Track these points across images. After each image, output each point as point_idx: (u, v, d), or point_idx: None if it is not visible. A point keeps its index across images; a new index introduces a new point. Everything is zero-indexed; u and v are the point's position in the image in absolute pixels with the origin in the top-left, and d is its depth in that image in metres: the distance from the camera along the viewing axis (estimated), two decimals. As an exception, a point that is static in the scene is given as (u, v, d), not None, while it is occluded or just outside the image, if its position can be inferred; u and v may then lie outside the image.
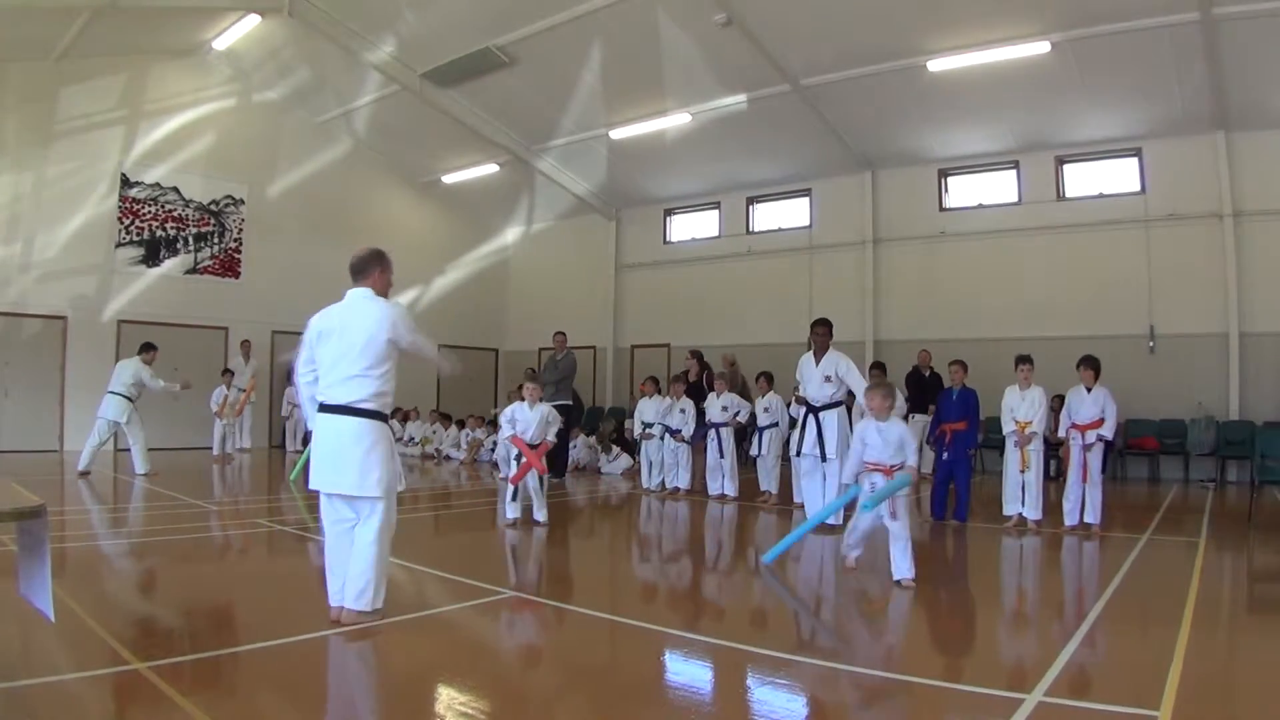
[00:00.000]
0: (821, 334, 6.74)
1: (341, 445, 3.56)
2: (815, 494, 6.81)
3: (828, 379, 6.61)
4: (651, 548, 6.62)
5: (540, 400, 6.77)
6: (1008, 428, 7.04)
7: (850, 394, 6.62)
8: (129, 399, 9.39)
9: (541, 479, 6.60)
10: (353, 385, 3.57)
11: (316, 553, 5.54)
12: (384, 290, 3.80)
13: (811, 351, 6.82)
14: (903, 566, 4.61)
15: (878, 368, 8.46)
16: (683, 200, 16.05)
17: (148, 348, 9.78)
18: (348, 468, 3.54)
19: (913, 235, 13.19)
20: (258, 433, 13.63)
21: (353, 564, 3.58)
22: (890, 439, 4.86)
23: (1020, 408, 6.99)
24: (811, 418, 6.68)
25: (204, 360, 13.22)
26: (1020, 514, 6.96)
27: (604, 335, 16.62)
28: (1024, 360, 6.97)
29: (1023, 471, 6.95)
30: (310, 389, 3.75)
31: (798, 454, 6.91)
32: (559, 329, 11.06)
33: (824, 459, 6.61)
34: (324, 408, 3.62)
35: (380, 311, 3.64)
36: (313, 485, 3.64)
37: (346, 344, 3.58)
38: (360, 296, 3.72)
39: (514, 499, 6.55)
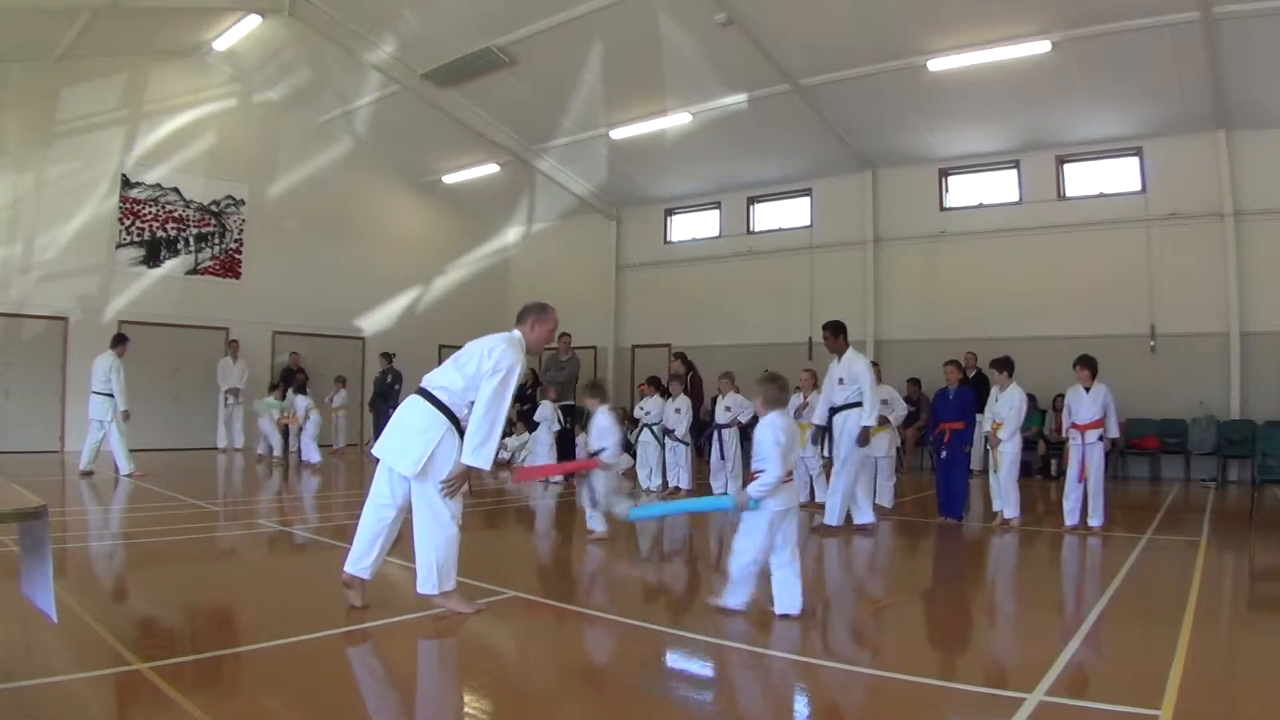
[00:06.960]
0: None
1: (402, 421, 3.78)
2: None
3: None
4: (654, 547, 6.61)
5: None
6: (985, 427, 7.25)
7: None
8: (111, 396, 9.32)
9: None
10: (442, 376, 3.79)
11: (317, 552, 5.55)
12: (535, 345, 3.98)
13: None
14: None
15: (873, 365, 8.39)
16: (683, 200, 16.05)
17: (119, 340, 9.64)
18: (398, 442, 3.74)
19: (913, 235, 13.19)
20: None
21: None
22: None
23: (996, 408, 7.10)
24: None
25: (204, 361, 13.24)
26: (999, 512, 7.01)
27: (605, 335, 16.62)
28: (998, 364, 7.15)
29: (994, 472, 7.07)
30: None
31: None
32: (564, 330, 10.88)
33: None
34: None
35: (494, 346, 3.74)
36: (374, 451, 3.87)
37: (460, 354, 3.82)
38: (503, 334, 3.87)
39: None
